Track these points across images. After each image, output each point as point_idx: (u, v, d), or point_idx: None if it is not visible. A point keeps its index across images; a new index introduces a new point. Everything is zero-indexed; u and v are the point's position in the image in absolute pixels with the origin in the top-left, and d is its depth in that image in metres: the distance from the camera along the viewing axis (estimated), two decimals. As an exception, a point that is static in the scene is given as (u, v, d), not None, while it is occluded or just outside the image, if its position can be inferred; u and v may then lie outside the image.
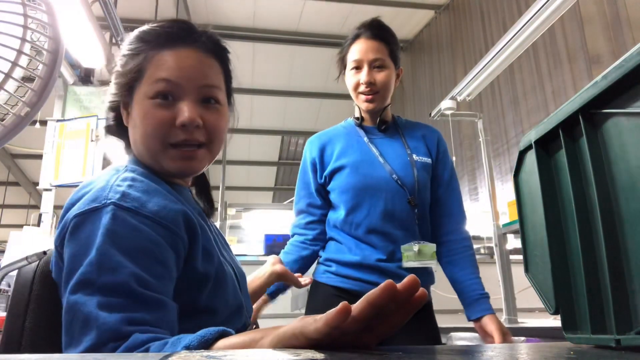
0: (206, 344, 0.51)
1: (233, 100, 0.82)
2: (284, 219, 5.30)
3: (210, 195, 0.86)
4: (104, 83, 3.66)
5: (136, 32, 0.75)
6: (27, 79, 0.81)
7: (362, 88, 1.34)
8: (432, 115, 2.87)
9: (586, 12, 2.94)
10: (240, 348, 0.50)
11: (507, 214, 2.55)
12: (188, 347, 0.50)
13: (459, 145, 4.24)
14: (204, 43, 0.74)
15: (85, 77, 3.27)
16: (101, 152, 3.04)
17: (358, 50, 1.34)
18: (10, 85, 0.78)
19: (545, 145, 0.53)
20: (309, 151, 1.44)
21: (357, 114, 1.44)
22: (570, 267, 0.49)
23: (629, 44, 2.61)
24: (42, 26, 0.81)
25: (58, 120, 3.05)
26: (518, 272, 2.59)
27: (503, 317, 2.60)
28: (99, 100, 3.14)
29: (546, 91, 3.27)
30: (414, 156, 1.36)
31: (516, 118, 3.59)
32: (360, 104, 1.38)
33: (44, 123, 2.99)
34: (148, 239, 0.61)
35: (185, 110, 0.70)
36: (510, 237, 2.56)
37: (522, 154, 0.57)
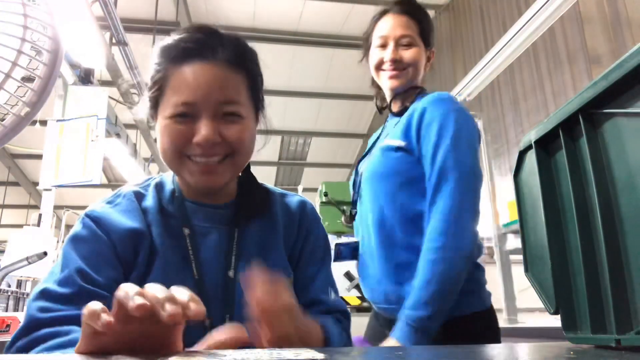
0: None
1: (263, 105, 0.82)
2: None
3: (253, 196, 0.82)
4: (104, 83, 3.67)
5: (159, 45, 0.74)
6: (27, 79, 0.81)
7: (385, 66, 1.21)
8: (432, 115, 2.87)
9: (586, 12, 2.93)
10: None
11: (507, 214, 2.55)
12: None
13: (459, 145, 4.23)
14: (224, 54, 0.71)
15: (85, 77, 3.27)
16: (101, 152, 3.04)
17: (385, 26, 1.22)
18: (10, 85, 0.78)
19: (545, 146, 0.53)
20: None
21: (387, 98, 1.27)
22: (570, 267, 0.49)
23: (629, 44, 2.61)
24: (42, 26, 0.81)
25: (58, 120, 3.05)
26: (518, 272, 2.59)
27: (503, 317, 2.60)
28: (99, 100, 3.14)
29: (546, 91, 3.27)
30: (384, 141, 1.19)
31: (516, 118, 3.59)
32: (384, 83, 1.23)
33: (44, 123, 2.99)
34: (98, 242, 0.70)
35: (202, 129, 0.68)
36: (510, 237, 2.56)
37: (522, 154, 0.57)
